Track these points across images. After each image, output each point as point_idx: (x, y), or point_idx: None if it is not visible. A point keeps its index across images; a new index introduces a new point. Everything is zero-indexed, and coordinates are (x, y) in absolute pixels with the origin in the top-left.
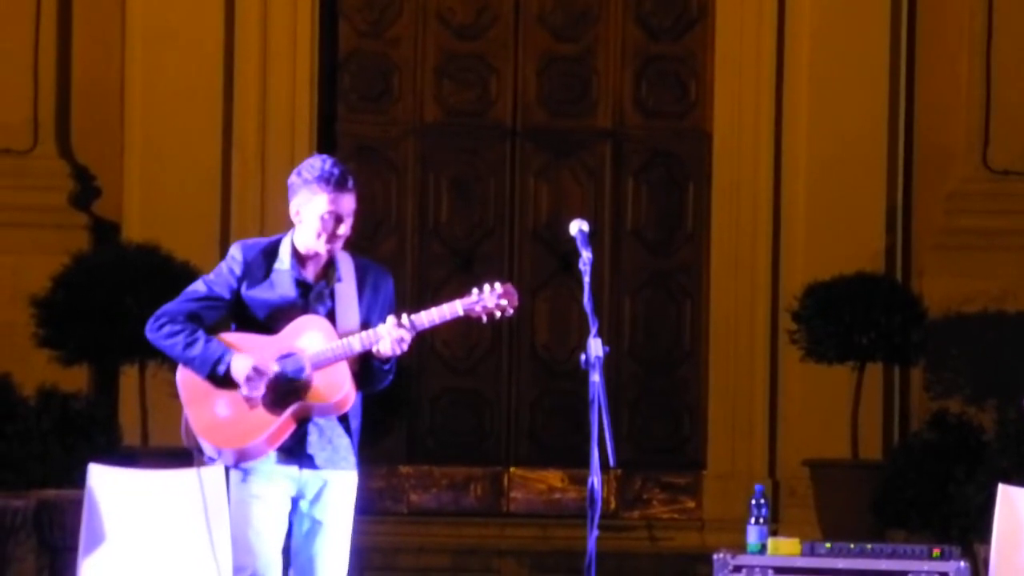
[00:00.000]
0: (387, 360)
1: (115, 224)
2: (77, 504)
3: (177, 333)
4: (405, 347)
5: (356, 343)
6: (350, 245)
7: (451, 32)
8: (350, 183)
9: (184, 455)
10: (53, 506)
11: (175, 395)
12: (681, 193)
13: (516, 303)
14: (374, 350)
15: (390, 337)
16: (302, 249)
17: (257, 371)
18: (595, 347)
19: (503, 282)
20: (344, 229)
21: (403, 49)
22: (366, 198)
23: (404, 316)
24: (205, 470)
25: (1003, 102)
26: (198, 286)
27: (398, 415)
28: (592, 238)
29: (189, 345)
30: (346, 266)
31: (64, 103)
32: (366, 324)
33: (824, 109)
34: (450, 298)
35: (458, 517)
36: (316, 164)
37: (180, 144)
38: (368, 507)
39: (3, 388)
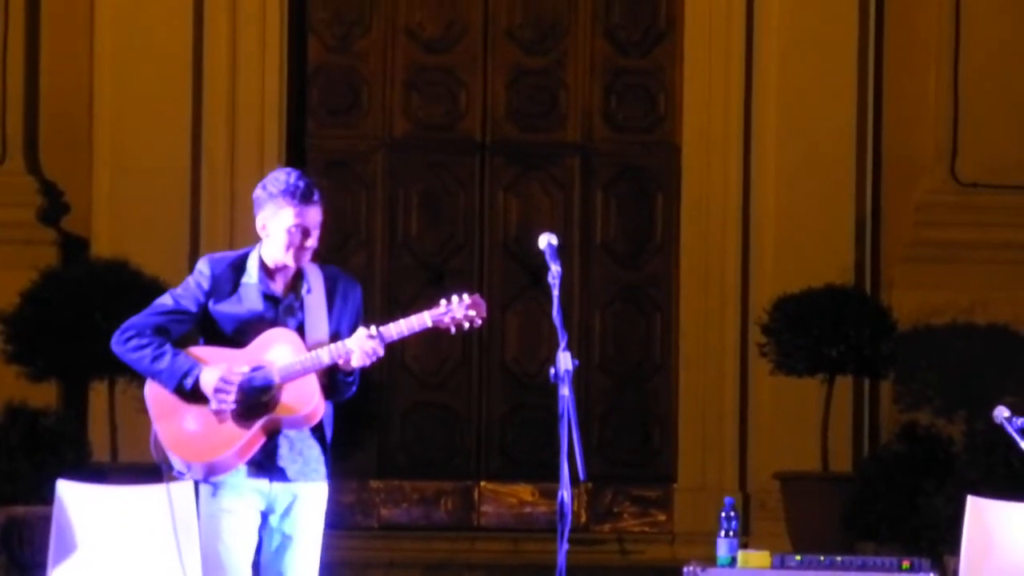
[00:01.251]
0: (351, 372)
1: (84, 239)
2: (46, 520)
3: (144, 347)
4: (375, 359)
5: (325, 355)
6: (319, 258)
7: (420, 46)
8: (315, 196)
9: (153, 471)
10: (22, 523)
11: (144, 411)
12: (650, 206)
13: (484, 314)
14: (341, 362)
15: (360, 349)
16: (270, 262)
17: (225, 381)
18: (564, 361)
19: (471, 293)
20: (311, 242)
21: (372, 63)
22: (335, 212)
23: (372, 328)
24: (175, 485)
25: (971, 115)
26: (165, 299)
27: (368, 429)
28: (561, 251)
29: (156, 359)
30: (315, 277)
31: (32, 118)
32: (335, 335)
33: (792, 122)
34: (414, 314)
35: (429, 532)
36: (281, 177)
37: (149, 159)
38: (338, 522)
39: None
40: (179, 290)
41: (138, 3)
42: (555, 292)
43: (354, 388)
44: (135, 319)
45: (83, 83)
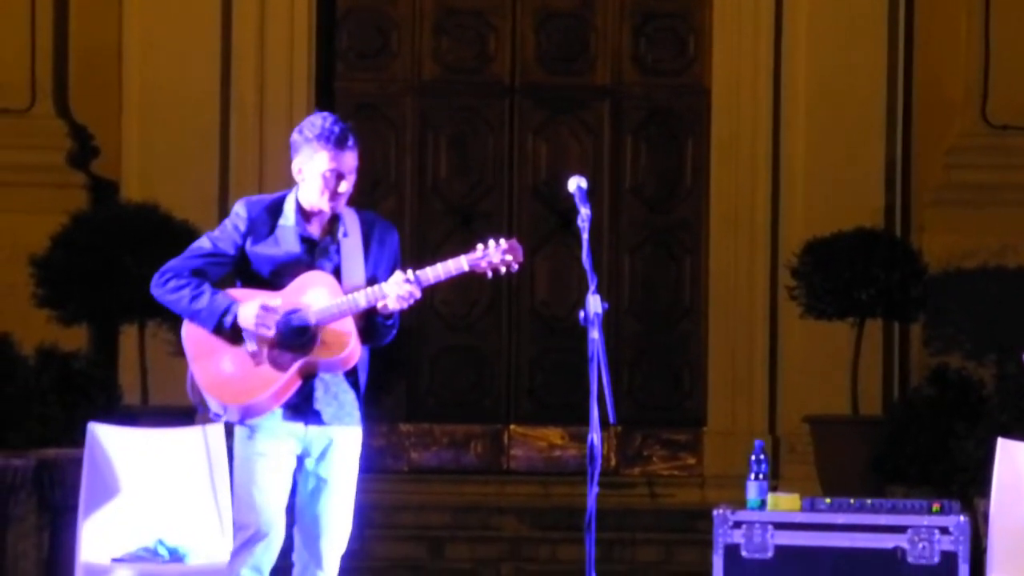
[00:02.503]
0: (390, 316)
1: (114, 183)
2: (77, 463)
3: (183, 287)
4: (412, 302)
5: (362, 299)
6: (352, 202)
7: None
8: (351, 141)
9: (184, 413)
10: (53, 465)
11: (175, 354)
12: (680, 150)
13: (521, 259)
14: (379, 305)
15: (396, 292)
16: (306, 206)
17: (266, 309)
18: (594, 304)
19: (507, 238)
20: (346, 186)
21: (401, 6)
22: (365, 156)
23: (409, 272)
24: (208, 427)
25: (1002, 57)
26: (203, 243)
27: (398, 373)
28: (591, 195)
29: (195, 298)
30: (351, 221)
31: (62, 62)
32: (372, 279)
33: (823, 65)
34: (449, 256)
35: (458, 475)
36: (317, 122)
37: (178, 103)
38: (368, 465)
39: (3, 348)
40: (216, 232)
41: None
42: (584, 236)
43: (394, 332)
44: (173, 262)
45: (112, 27)
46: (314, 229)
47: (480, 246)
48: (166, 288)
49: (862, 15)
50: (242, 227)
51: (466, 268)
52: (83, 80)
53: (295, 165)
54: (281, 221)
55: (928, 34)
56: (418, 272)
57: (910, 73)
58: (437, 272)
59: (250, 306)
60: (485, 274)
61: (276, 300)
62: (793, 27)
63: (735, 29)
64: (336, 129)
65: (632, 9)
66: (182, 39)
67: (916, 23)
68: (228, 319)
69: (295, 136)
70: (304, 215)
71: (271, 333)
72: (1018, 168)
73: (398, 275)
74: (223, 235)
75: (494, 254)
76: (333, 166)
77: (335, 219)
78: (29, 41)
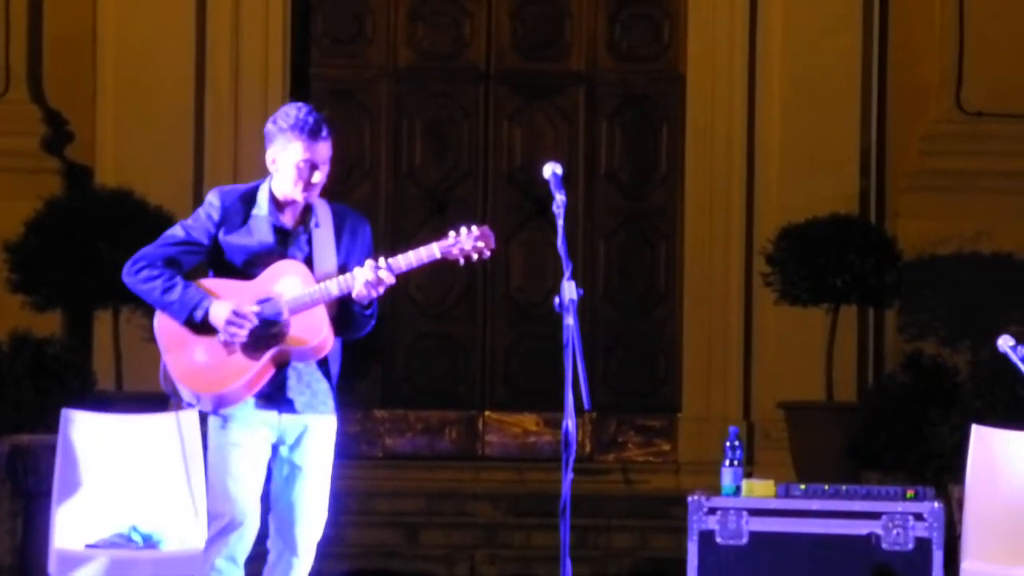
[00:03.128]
0: (368, 305)
1: (88, 169)
2: (51, 449)
3: (155, 278)
4: (381, 290)
5: (334, 287)
6: (325, 191)
7: None
8: (324, 131)
9: (158, 400)
10: (27, 451)
11: (149, 340)
12: (655, 136)
13: (493, 245)
14: (353, 294)
15: (364, 278)
16: (280, 196)
17: (239, 315)
18: (569, 290)
19: (479, 224)
20: (319, 177)
21: None
22: (339, 143)
23: (381, 259)
24: (183, 413)
25: (976, 43)
26: (176, 231)
27: (373, 359)
28: (566, 181)
29: (167, 290)
30: (323, 212)
31: (36, 47)
32: (344, 270)
33: (797, 51)
34: (425, 242)
35: (433, 461)
36: (291, 112)
37: (153, 88)
38: (343, 451)
39: None
40: (189, 221)
41: None
42: (560, 222)
43: (373, 322)
44: (146, 250)
45: (87, 12)
46: (287, 219)
47: (452, 233)
48: (138, 277)
49: (837, 1)
50: (215, 216)
51: (438, 255)
52: (57, 65)
53: (269, 155)
54: (254, 211)
55: (903, 20)
56: (390, 260)
57: (885, 59)
58: (409, 259)
59: (222, 307)
60: (457, 261)
61: (251, 308)
62: (768, 13)
63: (710, 15)
64: (310, 119)
65: None
66: (156, 25)
67: (891, 9)
68: (199, 313)
69: (269, 126)
70: (277, 205)
71: (240, 339)
72: (992, 154)
73: (369, 262)
74: (196, 224)
75: (466, 241)
76: (307, 156)
77: (308, 209)
78: (3, 26)
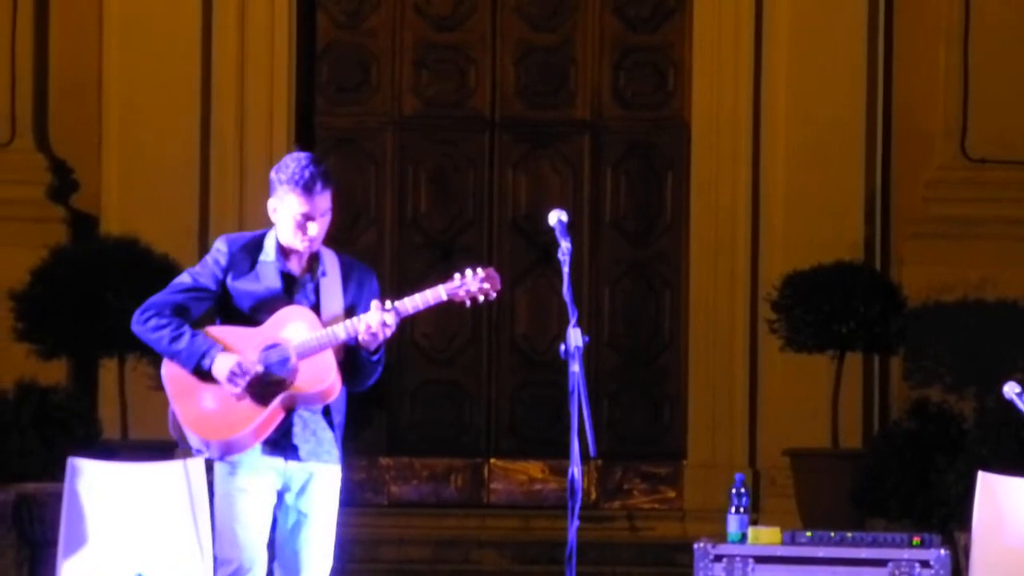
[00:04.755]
0: (375, 351)
1: (93, 217)
2: (56, 497)
3: (164, 327)
4: (388, 333)
5: (340, 331)
6: (330, 238)
7: (429, 23)
8: (319, 185)
9: (163, 447)
10: (32, 500)
11: (154, 388)
12: (660, 183)
13: (499, 287)
14: (359, 338)
15: (368, 321)
16: (284, 244)
17: (241, 368)
18: (575, 337)
19: (485, 267)
20: (316, 229)
21: (381, 40)
22: (345, 190)
23: (388, 302)
24: (189, 460)
25: (980, 90)
26: (184, 278)
27: (378, 407)
28: (571, 228)
29: (175, 339)
30: (331, 262)
31: (42, 96)
32: (350, 317)
33: (802, 98)
34: (428, 288)
35: (439, 509)
36: (290, 165)
37: (158, 137)
38: (349, 499)
39: None
40: (197, 268)
41: None
42: (565, 269)
43: (379, 369)
44: (154, 298)
45: (92, 61)
46: (294, 266)
47: (457, 275)
48: (147, 326)
49: (841, 49)
50: (223, 262)
51: (444, 297)
52: (63, 114)
53: (270, 204)
54: (262, 257)
55: (907, 68)
56: (396, 303)
57: (889, 106)
58: (415, 302)
59: (227, 360)
60: (464, 303)
61: (257, 352)
62: (772, 61)
63: (714, 63)
64: (306, 174)
65: (611, 43)
66: (162, 73)
67: (895, 57)
68: (207, 362)
69: (272, 175)
70: (284, 252)
71: (237, 391)
72: (997, 201)
73: (374, 304)
74: (204, 270)
75: (472, 282)
76: (303, 210)
77: (315, 258)
78: (9, 75)
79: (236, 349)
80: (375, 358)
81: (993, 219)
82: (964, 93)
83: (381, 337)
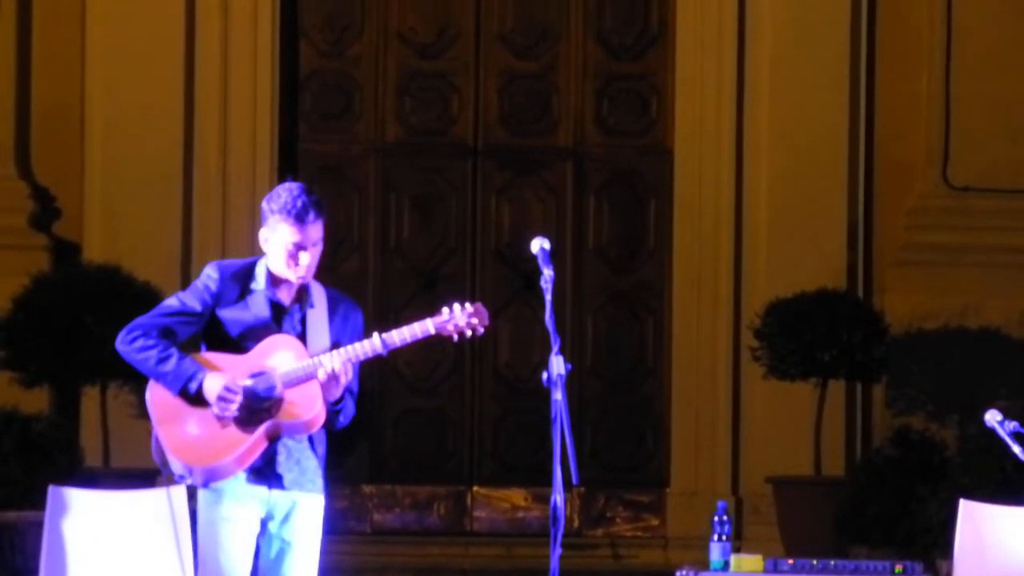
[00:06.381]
0: (339, 400)
1: (76, 245)
2: (38, 526)
3: (150, 348)
4: (346, 379)
5: (327, 361)
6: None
7: (412, 51)
8: (311, 215)
9: (146, 476)
10: (14, 528)
11: (137, 416)
12: (643, 211)
13: (487, 322)
14: (319, 377)
15: (331, 365)
16: (275, 273)
17: (230, 391)
18: (557, 365)
19: (473, 301)
20: (308, 258)
21: (364, 68)
22: (328, 218)
23: (376, 335)
24: (172, 488)
25: (962, 118)
26: (171, 301)
27: (361, 435)
28: (554, 256)
29: (162, 361)
30: (319, 295)
31: (24, 124)
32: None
33: (784, 126)
34: (412, 317)
35: (421, 536)
36: (282, 195)
37: (141, 165)
38: (331, 527)
39: None
40: (185, 292)
41: (130, 7)
42: (548, 297)
43: (342, 419)
44: (141, 319)
45: (75, 88)
46: (283, 296)
47: (446, 309)
48: (133, 347)
49: (824, 76)
50: (213, 287)
51: (432, 331)
52: (45, 141)
53: (261, 234)
54: (252, 285)
55: (889, 96)
56: (384, 335)
57: (871, 135)
58: (403, 335)
59: (215, 381)
60: (451, 337)
61: (244, 381)
62: (755, 89)
63: (697, 90)
64: (299, 203)
65: (594, 71)
66: (145, 101)
67: (877, 85)
68: (193, 385)
69: (263, 205)
70: (274, 281)
71: (231, 414)
72: (979, 229)
73: (346, 348)
74: (193, 294)
75: (460, 317)
76: (296, 239)
77: (304, 290)
78: None
79: None
80: (339, 407)
81: (975, 247)
82: (946, 121)
83: (344, 381)
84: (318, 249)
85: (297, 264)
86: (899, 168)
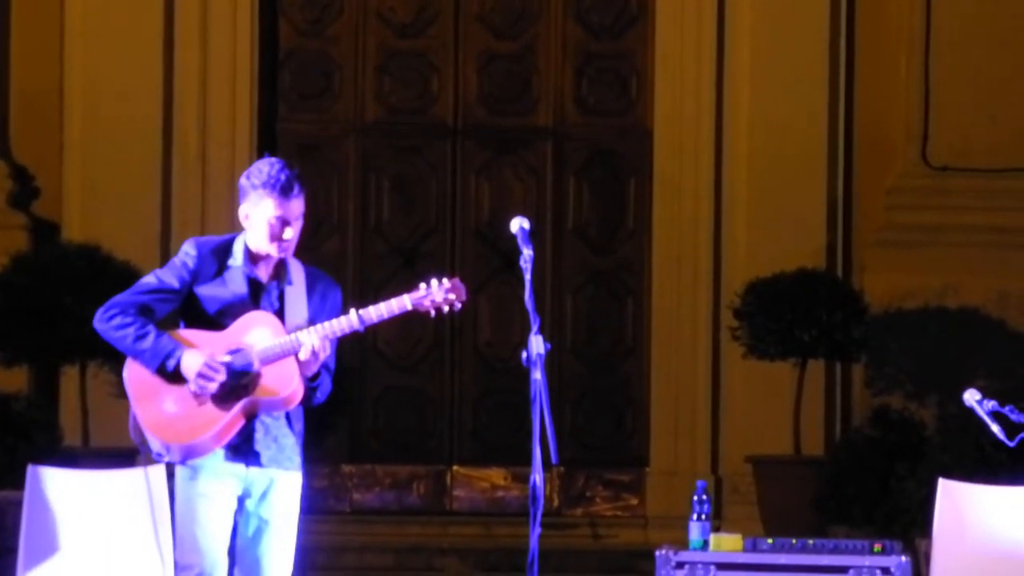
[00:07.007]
0: (315, 376)
1: (55, 224)
2: (17, 505)
3: (128, 326)
4: (324, 355)
5: (304, 338)
6: (298, 254)
7: (391, 30)
8: (296, 189)
9: (125, 455)
10: None
11: (116, 395)
12: (622, 190)
13: (464, 298)
14: (300, 357)
15: (311, 341)
16: (254, 249)
17: (211, 368)
18: (536, 344)
19: (451, 277)
20: (291, 233)
21: (343, 47)
22: (307, 197)
23: (353, 311)
24: (150, 468)
25: (942, 98)
26: (149, 279)
27: (340, 413)
28: (533, 236)
29: (140, 338)
30: (297, 271)
31: (2, 103)
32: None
33: (764, 106)
34: (392, 296)
35: (401, 516)
36: (264, 169)
37: (120, 144)
38: (311, 506)
39: None
40: (162, 270)
41: None
42: (527, 276)
43: (319, 395)
44: (118, 297)
45: (53, 67)
46: (261, 272)
47: (423, 285)
48: (110, 324)
49: (804, 57)
50: (191, 264)
51: (409, 307)
52: (24, 121)
53: (242, 210)
54: (230, 262)
55: (868, 76)
56: (361, 311)
57: (851, 114)
58: (380, 311)
59: (194, 358)
60: (428, 313)
61: (223, 357)
62: (735, 69)
63: (677, 70)
64: (282, 177)
65: (574, 51)
66: (124, 80)
67: (857, 65)
68: (171, 362)
69: (243, 181)
70: (252, 258)
71: (210, 391)
72: (958, 209)
73: (323, 324)
74: (171, 271)
75: (437, 293)
76: (278, 213)
77: (282, 265)
78: None
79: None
80: (315, 383)
81: (955, 227)
82: (925, 101)
83: (322, 356)
84: (300, 224)
85: (280, 239)
86: (878, 147)
